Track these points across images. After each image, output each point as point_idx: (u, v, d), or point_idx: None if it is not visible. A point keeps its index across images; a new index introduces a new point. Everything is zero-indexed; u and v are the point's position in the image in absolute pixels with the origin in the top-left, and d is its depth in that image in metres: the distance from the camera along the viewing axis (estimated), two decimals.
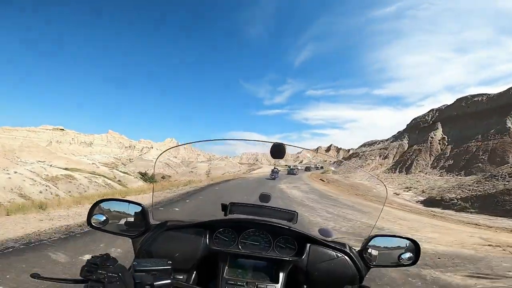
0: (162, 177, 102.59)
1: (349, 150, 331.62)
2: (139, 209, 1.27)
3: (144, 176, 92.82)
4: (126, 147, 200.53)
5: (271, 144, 1.28)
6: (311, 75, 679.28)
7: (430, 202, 16.01)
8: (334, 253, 1.27)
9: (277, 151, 1.28)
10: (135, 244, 1.25)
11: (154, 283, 0.77)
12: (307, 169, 63.20)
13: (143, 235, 1.24)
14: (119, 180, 51.98)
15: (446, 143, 30.84)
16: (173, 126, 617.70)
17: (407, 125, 44.74)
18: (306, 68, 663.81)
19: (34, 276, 0.75)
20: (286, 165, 66.92)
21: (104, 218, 1.21)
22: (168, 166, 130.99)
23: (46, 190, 32.43)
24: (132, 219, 1.27)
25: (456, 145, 28.74)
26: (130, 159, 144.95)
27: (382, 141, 54.50)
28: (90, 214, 1.22)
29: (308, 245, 1.28)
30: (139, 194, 12.86)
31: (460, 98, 34.16)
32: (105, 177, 48.93)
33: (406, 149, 38.41)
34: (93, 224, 1.21)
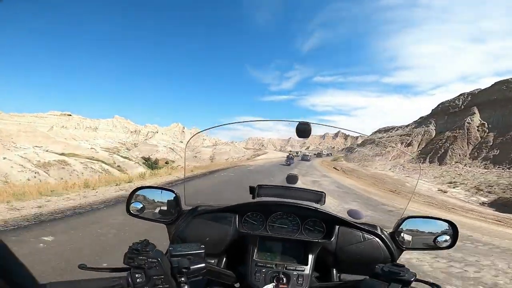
0: (165, 162, 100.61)
1: (357, 137, 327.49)
2: (172, 195, 1.31)
3: (147, 161, 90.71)
4: (131, 132, 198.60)
5: (296, 123, 1.25)
6: (319, 61, 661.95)
7: (503, 205, 12.11)
8: (364, 234, 1.24)
9: (303, 130, 1.27)
10: (170, 230, 1.29)
11: (190, 267, 0.80)
12: (319, 155, 65.43)
13: (176, 220, 1.28)
14: (118, 166, 49.32)
15: (487, 130, 26.48)
16: (179, 111, 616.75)
17: (432, 110, 40.30)
18: (314, 55, 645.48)
19: (82, 267, 0.77)
20: (291, 151, 65.70)
21: (141, 205, 1.27)
22: (172, 151, 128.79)
23: (35, 177, 29.87)
24: (165, 206, 1.31)
25: (500, 133, 24.42)
26: (135, 143, 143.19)
27: (401, 127, 49.95)
28: (128, 202, 1.28)
29: (337, 227, 1.25)
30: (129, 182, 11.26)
31: (499, 81, 29.85)
32: (103, 162, 46.31)
33: (433, 136, 34.13)
34: (131, 211, 1.27)
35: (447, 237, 1.19)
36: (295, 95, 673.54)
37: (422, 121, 40.73)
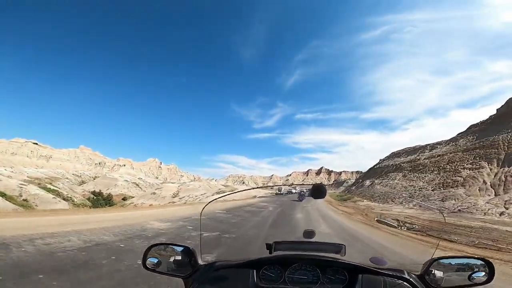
0: (123, 199, 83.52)
1: (340, 172, 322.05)
2: (187, 250, 1.36)
3: (97, 196, 73.77)
4: (96, 164, 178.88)
5: (311, 185, 1.33)
6: (301, 98, 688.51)
7: None
8: (390, 280, 1.19)
9: (318, 191, 1.32)
10: (187, 284, 1.30)
11: None
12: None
13: (193, 275, 1.29)
14: (24, 199, 34.11)
15: None
16: (158, 146, 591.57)
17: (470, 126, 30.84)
18: (296, 92, 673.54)
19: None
20: (276, 189, 57.87)
21: (157, 260, 1.34)
22: (136, 187, 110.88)
23: None
24: (181, 260, 1.35)
25: None
26: (95, 176, 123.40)
27: (426, 147, 39.63)
28: (145, 257, 1.35)
29: (360, 275, 1.21)
30: None
31: None
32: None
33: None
34: (147, 266, 1.34)
35: (482, 273, 1.15)
36: (278, 133, 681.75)
37: (457, 139, 30.54)
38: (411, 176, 31.51)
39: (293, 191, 54.99)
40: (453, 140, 34.03)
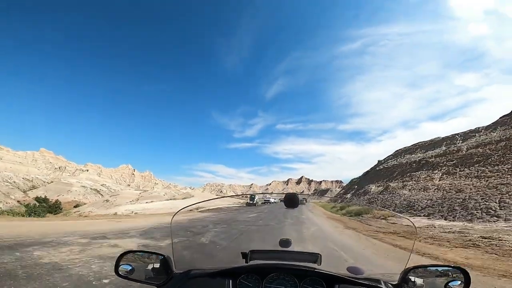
0: (75, 206, 71.84)
1: (320, 182, 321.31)
2: (162, 258, 1.31)
3: (41, 202, 62.23)
4: (56, 168, 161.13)
5: (283, 194, 1.39)
6: (281, 109, 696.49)
7: None
8: None
9: (291, 200, 1.37)
10: None
11: None
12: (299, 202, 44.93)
13: (168, 283, 1.26)
14: None
15: None
16: (134, 153, 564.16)
17: None
18: (277, 102, 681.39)
19: None
20: (249, 198, 49.17)
21: (130, 267, 1.30)
22: (96, 193, 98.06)
23: None
24: (156, 267, 1.30)
25: None
26: (51, 181, 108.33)
27: (453, 138, 34.25)
28: (117, 264, 1.31)
29: (337, 285, 1.20)
30: None
31: None
32: None
33: None
34: (120, 273, 1.30)
35: (458, 282, 1.15)
36: (258, 143, 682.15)
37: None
38: (460, 172, 23.43)
39: (272, 200, 47.37)
40: (499, 123, 29.29)
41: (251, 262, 1.42)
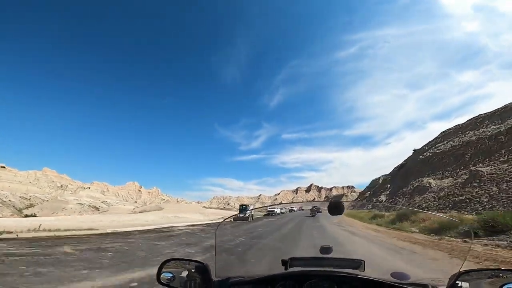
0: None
1: (331, 188, 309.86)
2: (201, 265, 1.33)
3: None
4: (58, 187, 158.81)
5: (328, 202, 1.39)
6: (285, 118, 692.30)
7: None
8: None
9: (335, 207, 1.37)
10: None
11: None
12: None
13: None
14: None
15: None
16: (140, 170, 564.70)
17: None
18: (280, 112, 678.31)
19: None
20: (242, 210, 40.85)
21: (171, 275, 1.33)
22: (95, 210, 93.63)
23: None
24: (195, 275, 1.32)
25: None
26: (47, 199, 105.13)
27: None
28: (159, 272, 1.34)
29: None
30: None
31: None
32: None
33: None
34: (162, 281, 1.33)
35: None
36: (264, 154, 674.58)
37: None
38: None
39: (278, 211, 37.93)
40: None
41: (291, 269, 1.39)
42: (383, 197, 42.67)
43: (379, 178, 67.25)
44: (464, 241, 9.07)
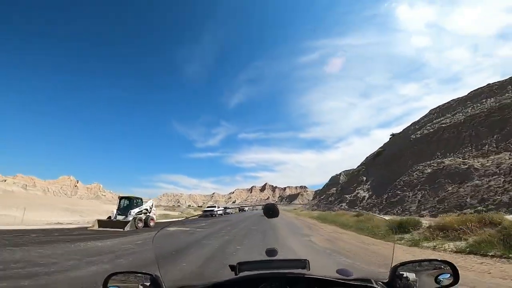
0: None
1: (285, 188, 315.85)
2: (151, 277, 1.27)
3: None
4: None
5: (261, 206, 1.44)
6: (244, 118, 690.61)
7: None
8: None
9: (270, 210, 1.40)
10: None
11: None
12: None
13: None
14: None
15: None
16: (81, 165, 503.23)
17: None
18: (240, 111, 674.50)
19: None
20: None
21: None
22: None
23: None
24: (146, 287, 1.27)
25: None
26: None
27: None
28: (105, 286, 1.24)
29: None
30: None
31: None
32: None
33: None
34: None
35: (448, 275, 1.17)
36: (220, 153, 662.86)
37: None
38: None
39: (228, 210, 45.48)
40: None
41: (241, 274, 1.40)
42: (362, 192, 36.39)
43: (339, 174, 66.21)
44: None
